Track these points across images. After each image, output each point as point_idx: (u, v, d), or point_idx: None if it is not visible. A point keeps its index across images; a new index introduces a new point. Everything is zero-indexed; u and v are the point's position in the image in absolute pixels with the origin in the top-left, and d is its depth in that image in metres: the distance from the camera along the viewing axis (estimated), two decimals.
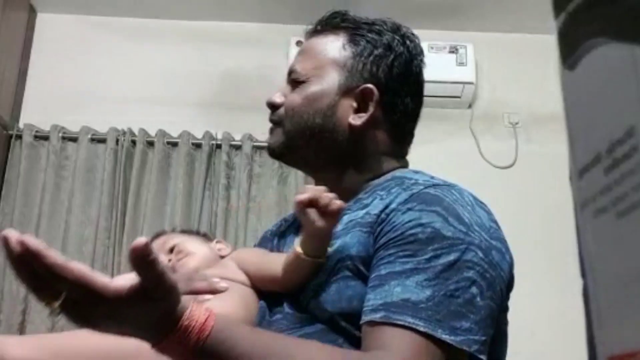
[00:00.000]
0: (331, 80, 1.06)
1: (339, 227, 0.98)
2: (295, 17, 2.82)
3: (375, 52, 1.06)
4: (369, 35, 1.07)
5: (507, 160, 2.78)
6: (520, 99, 2.83)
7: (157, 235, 1.29)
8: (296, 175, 2.65)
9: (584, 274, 0.27)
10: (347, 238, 0.95)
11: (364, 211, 0.98)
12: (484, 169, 2.74)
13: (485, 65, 2.84)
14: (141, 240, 0.68)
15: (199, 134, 2.73)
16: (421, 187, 0.96)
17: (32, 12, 2.91)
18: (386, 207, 0.94)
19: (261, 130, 2.72)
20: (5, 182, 2.67)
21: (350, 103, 1.05)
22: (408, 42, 1.09)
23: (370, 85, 1.05)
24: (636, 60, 0.23)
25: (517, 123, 2.82)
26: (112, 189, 2.62)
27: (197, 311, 0.75)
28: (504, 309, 0.97)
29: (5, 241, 0.67)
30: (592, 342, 0.26)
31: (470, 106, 2.84)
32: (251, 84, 2.84)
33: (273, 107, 1.10)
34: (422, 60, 1.10)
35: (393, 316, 0.83)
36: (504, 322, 0.98)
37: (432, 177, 1.01)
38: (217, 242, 1.26)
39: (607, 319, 0.25)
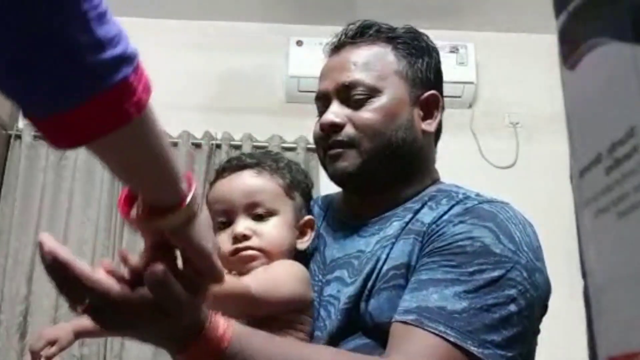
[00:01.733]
0: (401, 91, 1.02)
1: (391, 231, 0.97)
2: (295, 17, 2.83)
3: (426, 58, 1.05)
4: (414, 42, 1.05)
5: (508, 160, 2.78)
6: (521, 99, 2.83)
7: (239, 168, 1.02)
8: None
9: (584, 275, 0.27)
10: (400, 244, 0.94)
11: (414, 218, 0.97)
12: (484, 169, 2.74)
13: (485, 65, 2.84)
14: (158, 268, 0.68)
15: (198, 134, 2.73)
16: (475, 202, 0.95)
17: None
18: (439, 217, 0.93)
19: (260, 130, 2.74)
20: (4, 183, 2.67)
21: (418, 112, 1.03)
22: (432, 43, 1.09)
23: (435, 92, 1.05)
24: (637, 60, 0.23)
25: (517, 123, 2.82)
26: (112, 189, 2.62)
27: (216, 323, 0.76)
28: (537, 331, 0.96)
29: (40, 247, 0.69)
30: (593, 343, 0.26)
31: (470, 106, 2.84)
32: (251, 83, 2.84)
33: (334, 127, 1.00)
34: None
35: (425, 321, 0.83)
36: (535, 343, 0.97)
37: (478, 193, 1.00)
38: (304, 224, 1.02)
39: (608, 319, 0.25)
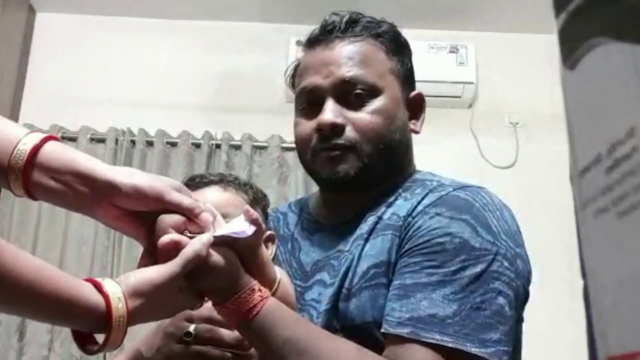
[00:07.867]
0: (397, 91, 0.99)
1: (366, 227, 0.95)
2: (295, 17, 2.83)
3: (409, 55, 1.04)
4: (398, 39, 1.03)
5: (508, 160, 2.78)
6: (520, 99, 2.83)
7: (204, 184, 1.02)
8: (296, 175, 2.64)
9: (584, 275, 0.27)
10: (379, 241, 0.92)
11: (390, 211, 0.95)
12: (484, 169, 2.74)
13: (485, 65, 2.83)
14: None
15: (198, 134, 2.72)
16: (450, 189, 0.93)
17: (31, 11, 2.91)
18: (413, 209, 0.92)
19: (260, 130, 2.74)
20: None
21: (406, 112, 1.02)
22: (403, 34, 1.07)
23: (420, 92, 1.05)
24: (636, 60, 0.23)
25: (517, 123, 2.82)
26: None
27: (253, 294, 0.80)
28: (520, 320, 0.95)
29: None
30: (593, 343, 0.26)
31: (470, 106, 2.84)
32: (251, 84, 2.84)
33: (334, 129, 0.94)
34: None
35: (421, 333, 0.82)
36: (520, 332, 0.96)
37: (453, 180, 0.99)
38: (266, 239, 0.99)
39: (608, 319, 0.25)
